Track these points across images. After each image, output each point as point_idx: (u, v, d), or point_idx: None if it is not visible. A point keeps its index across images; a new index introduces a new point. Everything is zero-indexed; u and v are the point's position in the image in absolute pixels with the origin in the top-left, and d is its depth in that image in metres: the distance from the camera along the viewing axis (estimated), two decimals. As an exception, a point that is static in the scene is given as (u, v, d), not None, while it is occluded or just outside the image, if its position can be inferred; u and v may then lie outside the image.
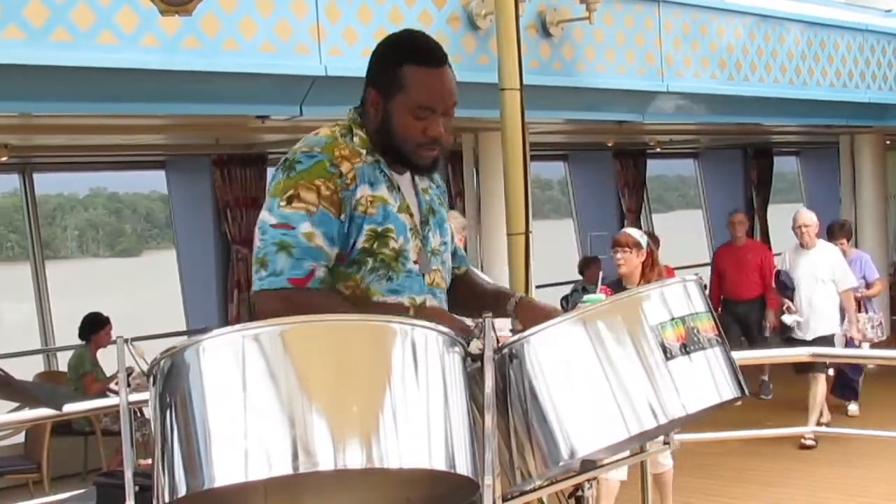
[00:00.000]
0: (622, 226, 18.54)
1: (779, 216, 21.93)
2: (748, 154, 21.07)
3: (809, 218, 11.04)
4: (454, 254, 3.52)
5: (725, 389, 2.91)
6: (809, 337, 10.59)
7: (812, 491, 9.32)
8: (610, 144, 17.36)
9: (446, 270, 3.32)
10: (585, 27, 10.02)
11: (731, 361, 2.96)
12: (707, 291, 3.07)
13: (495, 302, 3.44)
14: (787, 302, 10.90)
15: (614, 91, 10.76)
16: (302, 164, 3.04)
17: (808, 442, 10.49)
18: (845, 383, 11.63)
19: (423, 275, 3.18)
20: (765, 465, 9.95)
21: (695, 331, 2.88)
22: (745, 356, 6.32)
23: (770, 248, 11.97)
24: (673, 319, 2.87)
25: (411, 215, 3.17)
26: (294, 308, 2.80)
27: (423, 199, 3.26)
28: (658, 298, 2.91)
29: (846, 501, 9.03)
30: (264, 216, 3.05)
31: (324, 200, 3.01)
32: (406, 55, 3.08)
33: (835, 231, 11.96)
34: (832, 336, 10.79)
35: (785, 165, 23.22)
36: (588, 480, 3.18)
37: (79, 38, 7.02)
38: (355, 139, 3.15)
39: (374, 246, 3.08)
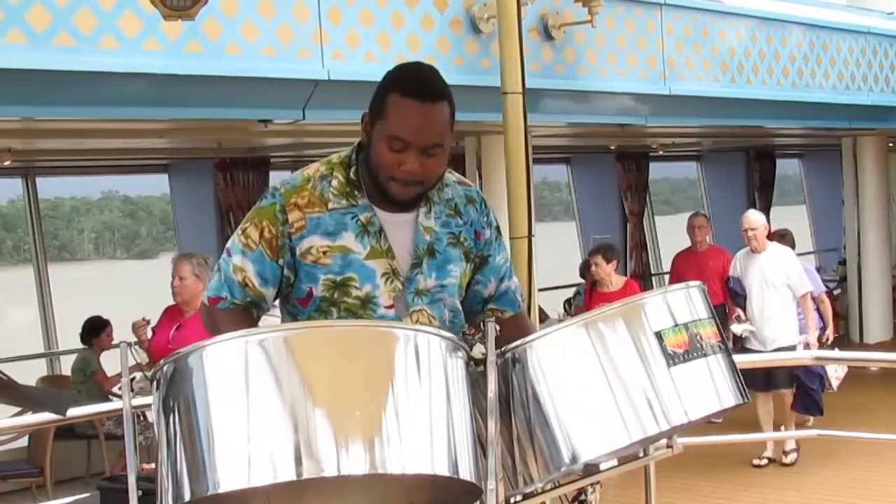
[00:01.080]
0: (624, 229, 18.57)
1: (782, 219, 21.95)
2: (751, 156, 21.07)
3: (756, 220, 10.40)
4: (501, 295, 3.40)
5: (727, 396, 2.91)
6: (768, 348, 9.99)
7: (817, 493, 9.32)
8: (612, 147, 17.36)
9: (439, 308, 3.19)
10: (588, 30, 10.02)
11: (733, 368, 2.96)
12: None
13: None
14: (738, 310, 10.37)
15: (617, 94, 10.77)
16: (264, 200, 3.15)
17: (761, 462, 10.10)
18: (807, 398, 10.53)
19: (401, 318, 3.10)
20: (770, 468, 9.96)
21: (697, 337, 2.88)
22: (745, 360, 6.32)
23: (733, 254, 11.27)
24: (676, 325, 2.86)
25: (392, 258, 3.10)
26: (206, 323, 3.23)
27: (423, 239, 3.15)
28: (661, 304, 2.91)
29: (850, 503, 9.03)
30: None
31: (264, 241, 3.10)
32: (395, 83, 3.03)
33: (774, 241, 10.84)
34: (793, 347, 9.96)
35: (787, 168, 23.22)
36: (591, 484, 3.18)
37: (81, 42, 7.03)
38: (333, 182, 3.12)
39: (335, 295, 3.08)
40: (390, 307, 3.09)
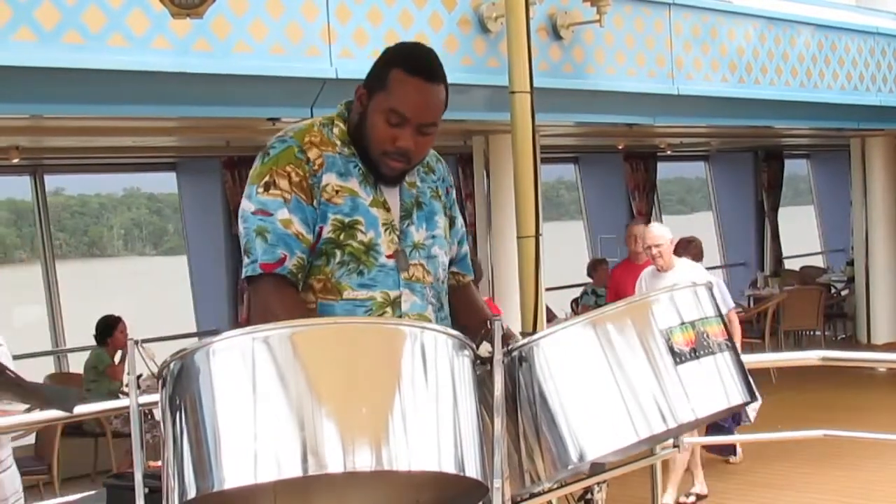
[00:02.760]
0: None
1: (790, 219, 21.95)
2: (759, 157, 21.07)
3: (660, 235, 8.98)
4: (461, 259, 3.49)
5: (735, 394, 2.91)
6: None
7: (824, 493, 9.32)
8: (620, 147, 17.37)
9: (434, 264, 3.25)
10: (596, 30, 10.03)
11: (740, 366, 2.96)
12: None
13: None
14: None
15: (625, 94, 10.77)
16: (275, 149, 3.11)
17: (688, 500, 9.22)
18: (720, 434, 9.05)
19: (399, 270, 3.14)
20: (776, 468, 9.95)
21: (704, 335, 2.88)
22: (752, 360, 6.32)
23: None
24: (683, 324, 2.86)
25: (388, 210, 3.15)
26: (256, 306, 3.06)
27: (409, 192, 3.23)
28: (668, 303, 2.90)
29: (857, 503, 9.04)
30: (244, 204, 3.11)
31: (295, 187, 3.06)
32: (399, 60, 3.10)
33: (678, 250, 9.63)
34: None
35: (796, 168, 23.22)
36: (598, 483, 3.18)
37: (90, 40, 7.04)
38: (335, 130, 3.17)
39: (341, 237, 3.09)
40: (390, 257, 3.13)
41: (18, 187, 13.72)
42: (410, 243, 3.19)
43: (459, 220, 3.48)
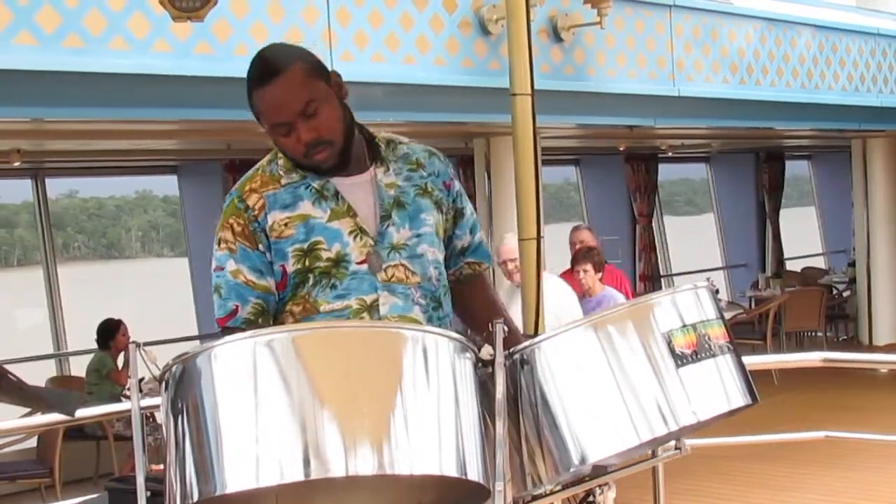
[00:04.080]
0: (634, 230, 18.57)
1: (791, 220, 21.95)
2: (760, 158, 21.09)
3: (515, 248, 7.33)
4: (476, 248, 3.45)
5: (736, 397, 2.91)
6: None
7: (826, 495, 9.31)
8: (621, 149, 17.37)
9: (421, 264, 3.20)
10: (597, 32, 10.03)
11: (742, 369, 2.96)
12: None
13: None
14: None
15: (625, 95, 10.77)
16: (225, 203, 3.19)
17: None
18: None
19: (375, 273, 3.13)
20: (778, 470, 9.94)
21: (706, 338, 2.88)
22: (754, 361, 6.32)
23: (626, 275, 9.53)
24: (684, 326, 2.86)
25: (354, 216, 3.13)
26: None
27: (387, 194, 3.18)
28: (669, 305, 2.91)
29: (859, 506, 9.04)
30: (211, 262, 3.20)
31: (238, 236, 3.12)
32: (248, 82, 3.13)
33: (577, 258, 9.00)
34: None
35: (797, 169, 23.23)
36: (599, 486, 3.18)
37: (91, 43, 7.04)
38: (279, 162, 3.20)
39: (307, 263, 3.10)
40: (362, 262, 3.11)
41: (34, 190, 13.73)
42: (388, 244, 3.15)
43: (469, 209, 3.44)
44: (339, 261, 3.09)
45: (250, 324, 3.10)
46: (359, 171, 3.19)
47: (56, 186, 15.51)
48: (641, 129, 12.80)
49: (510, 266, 8.17)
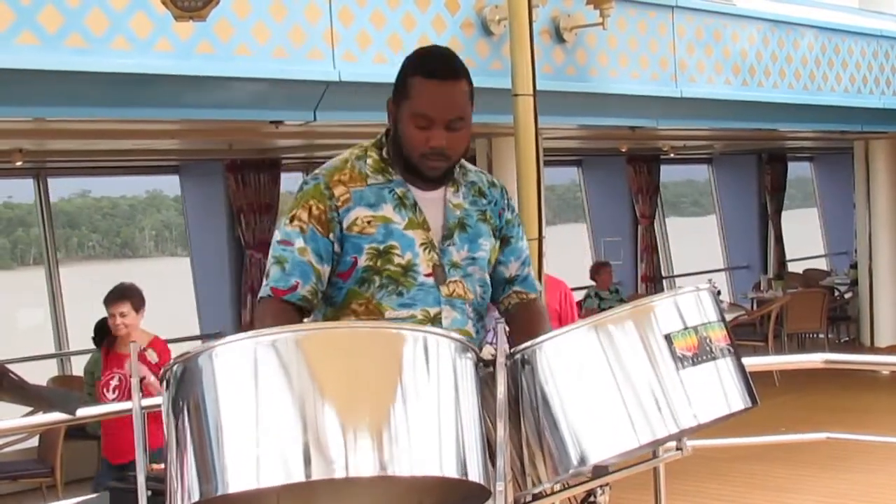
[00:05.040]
0: (635, 231, 18.56)
1: (793, 222, 21.95)
2: (762, 159, 21.08)
3: None
4: (524, 279, 3.53)
5: (736, 400, 2.91)
6: None
7: (827, 496, 9.31)
8: (623, 150, 17.35)
9: (473, 282, 3.33)
10: (599, 33, 10.03)
11: (743, 372, 2.96)
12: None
13: None
14: None
15: (628, 96, 10.76)
16: (307, 184, 3.27)
17: None
18: None
19: (439, 286, 3.23)
20: (779, 471, 9.94)
21: (707, 340, 2.88)
22: (755, 362, 6.32)
23: (569, 289, 9.00)
24: (685, 328, 2.86)
25: (427, 230, 3.24)
26: (255, 322, 3.20)
27: (453, 214, 3.31)
28: (671, 307, 2.91)
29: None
30: (275, 234, 3.28)
31: (313, 219, 3.20)
32: (415, 66, 3.22)
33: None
34: None
35: (799, 171, 23.23)
36: (600, 486, 3.18)
37: (93, 43, 7.04)
38: (368, 161, 3.29)
39: (378, 263, 3.19)
40: (429, 275, 3.23)
41: (51, 189, 13.74)
42: (448, 262, 3.27)
43: (522, 243, 3.54)
44: (409, 269, 3.21)
45: (307, 301, 3.19)
46: (435, 187, 3.31)
47: (68, 186, 15.53)
48: (644, 130, 12.79)
49: None
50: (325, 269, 3.20)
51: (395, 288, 3.19)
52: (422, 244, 3.22)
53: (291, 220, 3.21)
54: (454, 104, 3.18)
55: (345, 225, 3.19)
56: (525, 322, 3.49)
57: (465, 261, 3.30)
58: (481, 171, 3.51)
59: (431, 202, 3.29)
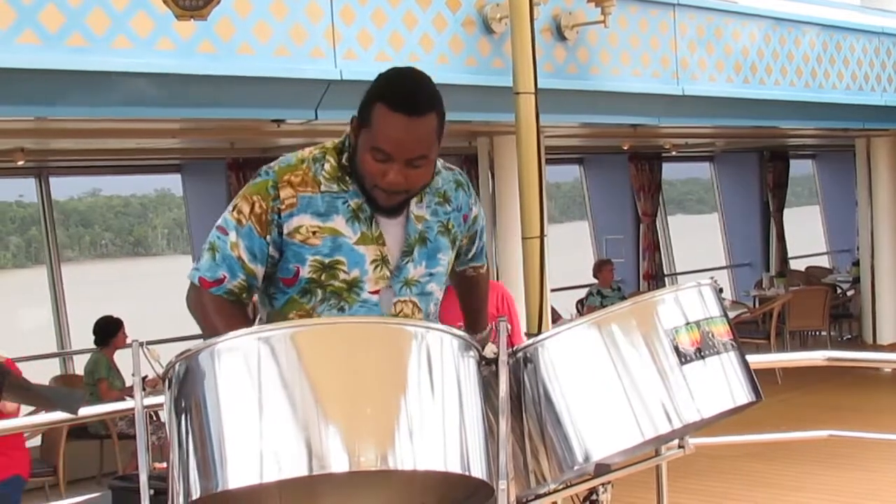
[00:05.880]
0: (637, 229, 18.56)
1: (795, 219, 21.94)
2: (764, 157, 21.07)
3: None
4: (478, 253, 3.51)
5: (740, 394, 2.91)
6: None
7: (829, 494, 9.30)
8: (625, 148, 17.36)
9: (426, 301, 3.21)
10: (600, 31, 10.02)
11: (746, 366, 2.96)
12: None
13: (470, 318, 3.65)
14: None
15: (629, 94, 10.75)
16: (258, 177, 3.14)
17: None
18: None
19: (382, 305, 3.11)
20: (782, 469, 9.94)
21: (710, 335, 2.88)
22: (758, 360, 6.31)
23: (505, 288, 8.77)
24: (688, 324, 2.86)
25: (382, 245, 3.10)
26: (192, 304, 3.16)
27: (415, 228, 3.16)
28: (673, 302, 2.91)
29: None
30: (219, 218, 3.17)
31: (253, 216, 3.08)
32: (382, 93, 3.00)
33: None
34: None
35: (801, 168, 23.22)
36: (603, 484, 3.18)
37: (94, 42, 7.04)
38: (326, 166, 3.12)
39: (322, 277, 3.07)
40: (375, 293, 3.10)
41: (63, 188, 13.75)
42: (403, 279, 3.14)
43: (482, 227, 3.47)
44: (353, 285, 3.08)
45: (234, 295, 3.09)
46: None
47: (79, 186, 15.52)
48: (645, 128, 12.78)
49: None
50: (259, 269, 3.09)
51: (337, 303, 3.08)
52: (373, 261, 3.09)
53: (233, 209, 3.12)
54: (418, 143, 2.98)
55: (285, 230, 3.06)
56: (473, 293, 3.60)
57: (423, 277, 3.18)
58: (450, 168, 3.34)
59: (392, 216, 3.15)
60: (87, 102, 7.41)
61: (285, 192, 3.07)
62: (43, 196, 13.17)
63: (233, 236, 3.08)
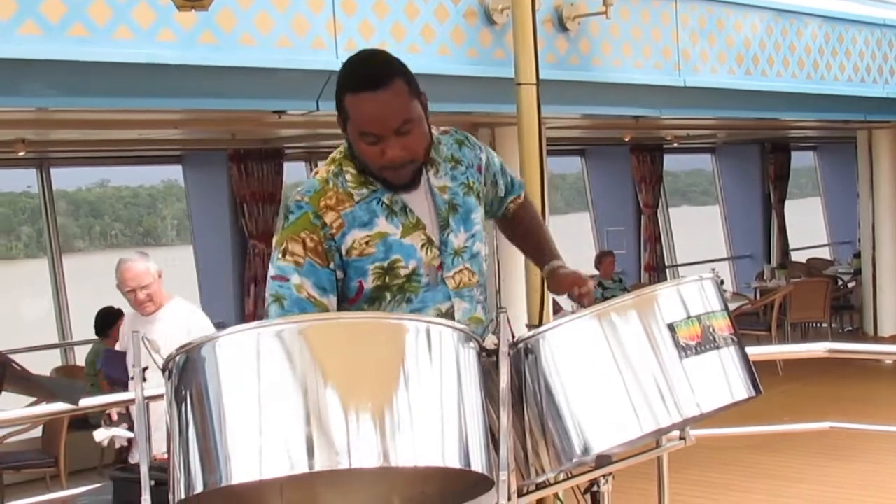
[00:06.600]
0: (639, 221, 18.54)
1: (796, 211, 21.93)
2: (766, 149, 21.06)
3: (145, 271, 6.82)
4: (510, 188, 3.58)
5: (740, 389, 2.91)
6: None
7: (830, 485, 9.31)
8: (627, 139, 17.35)
9: (478, 262, 3.29)
10: (602, 22, 10.01)
11: (746, 360, 2.96)
12: None
13: (535, 256, 3.68)
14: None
15: (631, 86, 10.74)
16: (293, 214, 3.10)
17: None
18: None
19: (444, 281, 3.18)
20: (782, 461, 9.94)
21: (710, 329, 2.88)
22: (759, 352, 6.32)
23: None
24: (689, 317, 2.86)
25: (423, 229, 3.16)
26: None
27: (442, 199, 3.22)
28: (674, 296, 2.90)
29: (864, 495, 9.02)
30: (270, 268, 3.14)
31: (309, 252, 3.07)
32: (344, 83, 3.07)
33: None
34: None
35: (802, 160, 23.21)
36: (604, 476, 3.18)
37: (96, 33, 7.03)
38: (347, 177, 3.16)
39: (387, 280, 3.11)
40: (432, 275, 3.17)
41: (72, 179, 13.74)
42: (452, 251, 3.20)
43: (501, 168, 3.55)
44: (413, 274, 3.13)
45: None
46: (417, 184, 3.21)
47: (87, 176, 15.53)
48: (647, 119, 12.77)
49: (140, 295, 6.81)
50: (332, 300, 3.09)
51: (404, 296, 3.13)
52: (422, 246, 3.15)
53: (284, 255, 3.08)
54: (394, 112, 3.03)
55: (343, 251, 3.09)
56: (524, 222, 3.67)
57: (467, 242, 3.25)
58: (445, 131, 3.40)
59: (418, 196, 3.20)
60: (88, 93, 7.40)
61: (329, 217, 3.09)
62: (44, 187, 13.16)
63: (296, 279, 3.06)
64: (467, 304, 3.22)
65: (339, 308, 3.14)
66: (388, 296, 3.12)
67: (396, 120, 3.02)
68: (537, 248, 3.67)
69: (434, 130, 3.29)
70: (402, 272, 3.12)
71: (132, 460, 7.03)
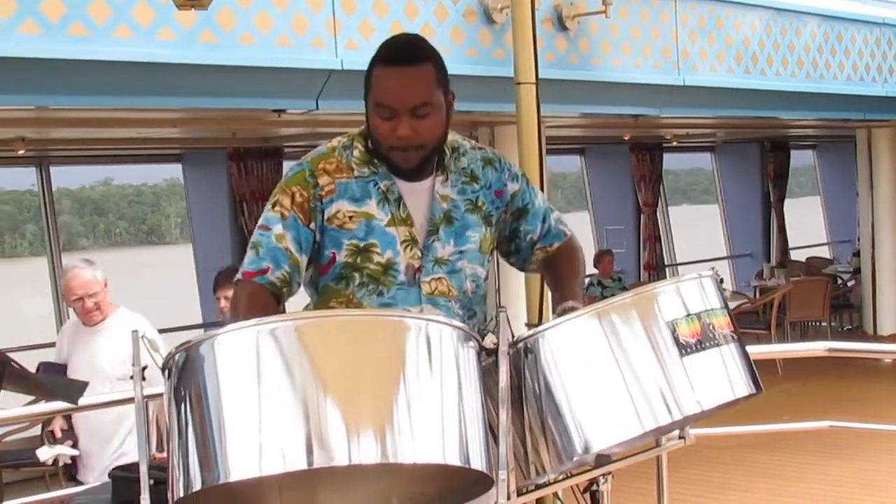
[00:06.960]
0: (638, 220, 18.54)
1: (796, 210, 21.94)
2: (765, 148, 21.06)
3: (92, 280, 6.60)
4: (545, 234, 3.47)
5: (740, 386, 2.91)
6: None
7: (830, 484, 9.31)
8: (626, 138, 17.35)
9: (459, 279, 3.24)
10: (602, 21, 10.01)
11: (746, 358, 2.96)
12: None
13: (553, 293, 3.51)
14: (59, 421, 6.93)
15: (630, 85, 10.75)
16: (293, 170, 3.22)
17: None
18: None
19: (419, 285, 3.17)
20: (782, 460, 9.95)
21: (710, 327, 2.88)
22: (758, 351, 6.32)
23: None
24: (689, 315, 2.86)
25: (410, 226, 3.17)
26: (230, 307, 3.27)
27: (439, 207, 3.22)
28: (673, 294, 2.90)
29: (863, 494, 9.03)
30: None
31: (296, 206, 3.14)
32: (377, 57, 3.13)
33: (219, 280, 7.53)
34: None
35: (802, 159, 23.21)
36: (603, 475, 3.18)
37: (96, 32, 7.04)
38: (355, 152, 3.21)
39: (358, 261, 3.14)
40: (411, 275, 3.16)
41: (76, 177, 13.73)
42: (433, 258, 3.20)
43: (536, 202, 3.45)
44: (388, 268, 3.15)
45: (275, 287, 3.12)
46: (422, 178, 3.22)
47: (91, 174, 15.54)
48: (646, 118, 12.77)
49: (88, 303, 6.59)
50: (303, 259, 3.14)
51: (376, 287, 3.15)
52: (403, 241, 3.16)
53: (273, 206, 3.16)
54: (415, 90, 3.06)
55: (326, 216, 3.14)
56: (555, 270, 3.47)
57: (452, 255, 3.22)
58: (479, 147, 3.39)
59: (418, 194, 3.21)
60: (87, 92, 7.41)
61: (324, 180, 3.16)
62: (43, 185, 13.16)
63: (278, 229, 3.13)
64: (442, 313, 3.16)
65: (311, 277, 3.21)
66: (357, 278, 3.15)
67: (415, 99, 3.05)
68: (556, 287, 3.46)
69: (465, 141, 3.34)
70: (376, 259, 3.14)
71: (80, 477, 7.09)
